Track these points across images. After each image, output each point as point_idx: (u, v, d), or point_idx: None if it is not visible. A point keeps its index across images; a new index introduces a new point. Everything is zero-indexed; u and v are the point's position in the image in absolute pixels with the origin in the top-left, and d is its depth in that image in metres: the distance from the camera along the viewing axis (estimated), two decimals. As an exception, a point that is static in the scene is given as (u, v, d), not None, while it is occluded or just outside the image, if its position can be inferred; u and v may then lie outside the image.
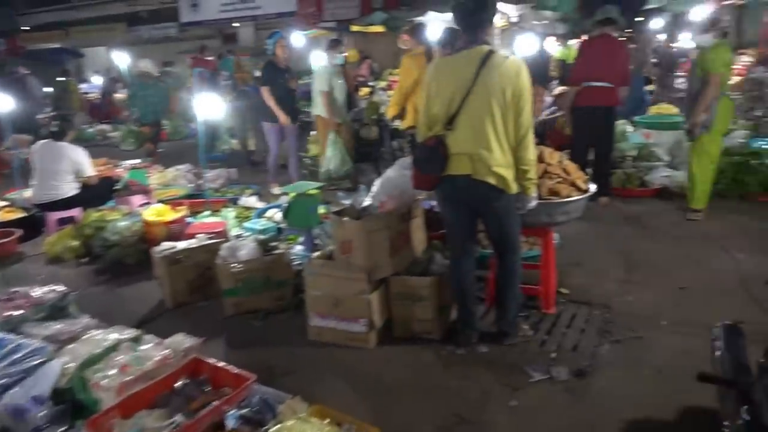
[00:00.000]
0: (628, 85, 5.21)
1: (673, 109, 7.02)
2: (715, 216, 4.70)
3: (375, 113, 6.99)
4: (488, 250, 3.19)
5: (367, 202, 3.06)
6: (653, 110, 7.46)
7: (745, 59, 9.52)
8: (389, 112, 5.54)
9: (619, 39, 5.34)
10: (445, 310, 3.04)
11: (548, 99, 8.04)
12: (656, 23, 12.11)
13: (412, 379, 2.71)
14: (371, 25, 14.15)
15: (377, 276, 2.93)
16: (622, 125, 6.72)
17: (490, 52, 2.46)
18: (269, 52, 6.06)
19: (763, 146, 5.75)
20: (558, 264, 3.70)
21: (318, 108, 6.13)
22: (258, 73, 10.04)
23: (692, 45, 12.74)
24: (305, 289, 3.06)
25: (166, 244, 3.75)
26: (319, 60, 12.60)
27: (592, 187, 3.16)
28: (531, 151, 2.56)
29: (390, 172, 3.05)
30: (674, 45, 9.35)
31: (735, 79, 7.76)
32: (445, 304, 3.02)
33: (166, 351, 2.50)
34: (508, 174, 2.55)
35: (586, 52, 5.19)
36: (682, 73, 10.46)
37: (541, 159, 3.17)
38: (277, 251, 3.59)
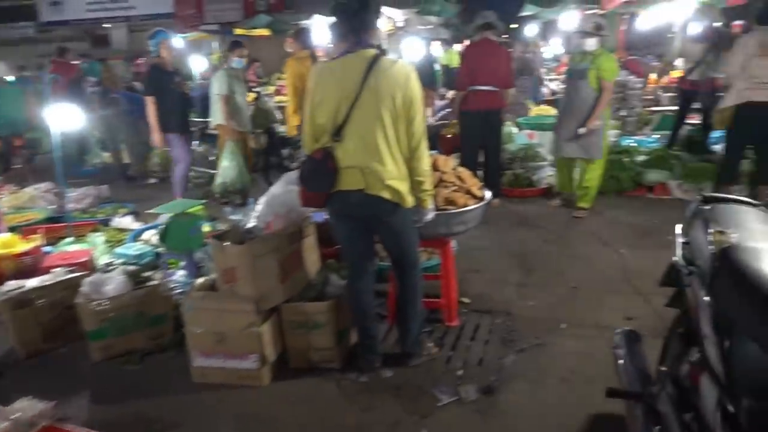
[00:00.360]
0: (512, 87, 5.33)
1: (552, 111, 7.38)
2: (596, 212, 4.94)
3: (265, 120, 6.61)
4: (386, 263, 3.02)
5: (251, 222, 2.75)
6: (534, 111, 7.82)
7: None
8: (292, 121, 5.23)
9: (501, 43, 5.47)
10: (344, 334, 2.81)
11: (439, 103, 8.14)
12: (530, 30, 12.85)
13: (313, 417, 2.45)
14: (255, 28, 13.64)
15: (267, 305, 2.63)
16: (508, 127, 6.96)
17: (378, 56, 2.27)
18: (153, 54, 5.40)
19: (632, 144, 6.20)
20: (457, 272, 3.63)
21: (217, 115, 5.51)
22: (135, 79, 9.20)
23: (561, 51, 13.69)
24: (185, 327, 2.68)
25: (11, 284, 3.16)
26: (200, 64, 11.89)
27: (488, 194, 3.10)
28: (425, 162, 2.41)
29: (275, 189, 2.77)
30: (530, 51, 9.92)
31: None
32: (344, 328, 2.79)
33: (6, 424, 2.03)
34: (403, 187, 2.38)
35: (468, 57, 5.24)
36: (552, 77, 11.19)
37: (435, 167, 3.06)
38: (151, 282, 3.15)
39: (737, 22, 10.54)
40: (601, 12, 11.66)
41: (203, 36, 14.88)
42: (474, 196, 3.03)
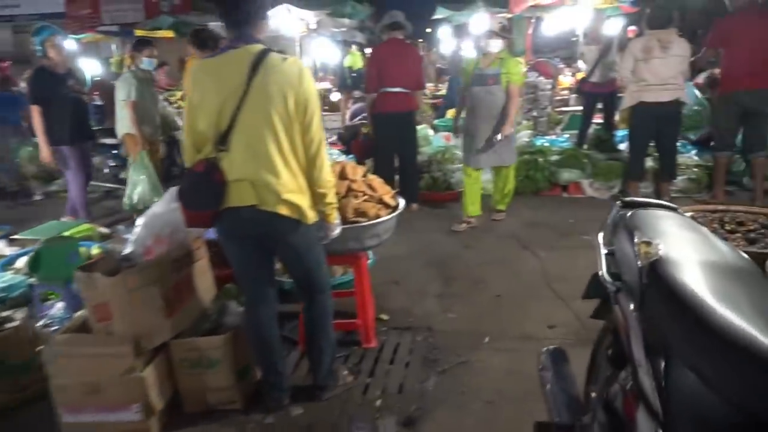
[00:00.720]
0: (423, 88, 5.19)
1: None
2: (514, 214, 4.88)
3: (166, 128, 6.07)
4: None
5: (128, 248, 2.34)
6: (450, 113, 7.78)
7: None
8: None
9: (410, 44, 5.33)
10: (247, 370, 2.46)
11: (354, 106, 7.92)
12: (444, 33, 12.98)
13: (209, 473, 2.10)
14: (158, 29, 12.78)
15: (150, 344, 2.24)
16: (424, 129, 6.85)
17: (264, 52, 1.97)
18: (39, 54, 4.65)
19: (545, 144, 6.27)
20: (374, 285, 3.39)
21: (125, 123, 4.90)
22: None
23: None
24: (49, 379, 2.23)
25: None
26: (94, 69, 10.93)
27: (402, 202, 2.87)
28: (327, 171, 2.13)
29: (157, 207, 2.38)
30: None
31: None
32: (246, 363, 2.45)
33: None
34: (303, 201, 2.09)
35: (377, 58, 5.03)
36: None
37: (343, 176, 2.80)
38: (11, 324, 2.64)
39: (631, 28, 11.19)
40: (509, 15, 12.00)
41: (99, 38, 13.78)
42: (387, 206, 2.80)
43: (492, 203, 4.86)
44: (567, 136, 7.03)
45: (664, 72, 4.64)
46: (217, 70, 1.99)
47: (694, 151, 5.67)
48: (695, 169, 5.27)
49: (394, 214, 2.72)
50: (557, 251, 4.04)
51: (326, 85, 13.98)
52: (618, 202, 1.83)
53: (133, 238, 2.33)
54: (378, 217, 2.67)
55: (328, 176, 2.14)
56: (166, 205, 2.33)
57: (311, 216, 2.14)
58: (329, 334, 2.43)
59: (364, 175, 2.90)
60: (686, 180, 5.24)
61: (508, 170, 4.69)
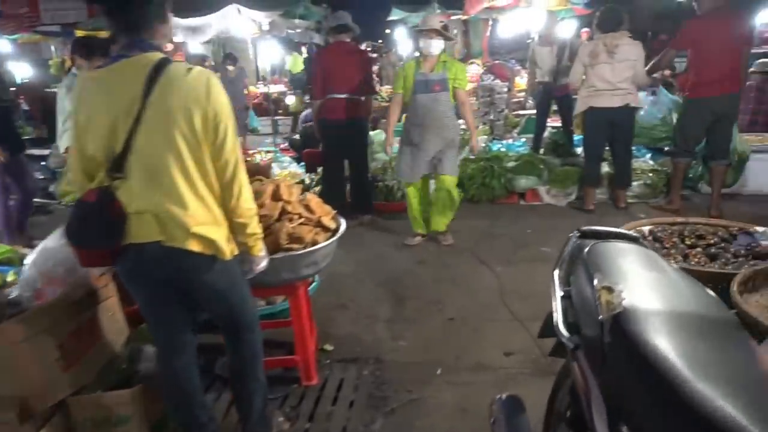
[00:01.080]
0: (374, 93, 4.93)
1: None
2: (470, 225, 4.69)
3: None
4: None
5: (15, 291, 1.99)
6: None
7: (475, 68, 10.48)
8: None
9: (359, 47, 5.08)
10: (164, 422, 2.15)
11: (305, 111, 7.61)
12: (401, 34, 12.80)
13: None
14: (100, 30, 12.12)
15: (44, 404, 1.91)
16: (379, 134, 6.60)
17: (164, 62, 1.67)
18: None
19: (501, 149, 6.12)
20: (319, 310, 3.13)
21: (71, 134, 4.35)
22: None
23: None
24: None
25: None
26: (25, 72, 10.21)
27: (343, 224, 2.61)
28: (246, 197, 1.84)
29: (49, 241, 2.04)
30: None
31: (470, 86, 8.35)
32: (163, 416, 2.14)
33: None
34: (218, 233, 1.79)
35: (322, 62, 4.72)
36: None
37: (276, 196, 2.51)
38: None
39: (585, 30, 11.26)
40: (465, 17, 11.91)
41: (37, 38, 12.99)
42: (326, 229, 2.53)
43: (432, 226, 4.33)
44: (524, 140, 6.92)
45: (612, 77, 4.55)
46: (106, 84, 1.67)
47: (648, 155, 5.62)
48: (650, 174, 5.20)
49: (333, 238, 2.46)
50: (514, 265, 3.86)
51: (281, 88, 13.61)
52: (575, 232, 1.63)
53: (21, 277, 1.99)
54: (315, 242, 2.39)
55: (248, 203, 1.85)
56: (58, 239, 1.99)
57: (229, 250, 1.84)
58: (259, 376, 2.14)
59: (302, 196, 2.63)
60: (642, 185, 5.16)
61: (451, 182, 4.16)
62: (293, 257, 2.30)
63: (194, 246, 1.74)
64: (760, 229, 2.73)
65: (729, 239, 2.73)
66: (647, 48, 4.88)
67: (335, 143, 4.71)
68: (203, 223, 1.75)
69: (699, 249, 2.66)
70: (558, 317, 1.36)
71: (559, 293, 1.46)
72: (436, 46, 3.96)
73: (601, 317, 1.15)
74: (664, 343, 1.02)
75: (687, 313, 1.14)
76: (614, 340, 1.11)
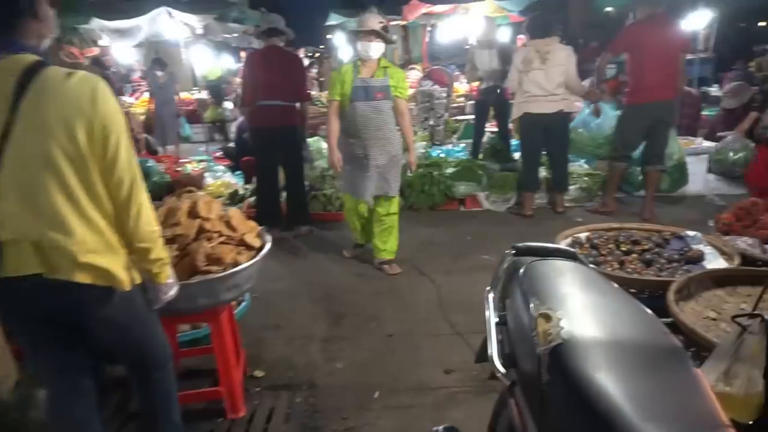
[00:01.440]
0: (309, 100, 4.74)
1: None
2: (410, 233, 4.57)
3: None
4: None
5: None
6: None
7: (415, 73, 10.47)
8: None
9: (292, 52, 4.88)
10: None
11: (239, 119, 7.29)
12: (340, 39, 12.64)
13: None
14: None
15: None
16: (317, 142, 6.41)
17: (38, 66, 1.43)
18: None
19: (441, 155, 6.06)
20: (249, 332, 2.92)
21: None
22: None
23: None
24: None
25: None
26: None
27: (269, 240, 2.40)
28: (147, 217, 1.61)
29: None
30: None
31: (409, 92, 8.30)
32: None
33: None
34: (114, 261, 1.56)
35: (252, 69, 4.49)
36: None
37: (193, 214, 2.29)
38: None
39: (520, 36, 11.50)
40: (404, 23, 11.92)
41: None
42: (249, 247, 2.32)
43: (374, 251, 3.93)
44: (463, 145, 6.92)
45: (546, 83, 4.58)
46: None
47: (584, 160, 5.71)
48: (586, 178, 5.28)
49: (257, 258, 2.25)
50: (454, 275, 3.76)
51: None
52: (510, 250, 1.51)
53: None
54: (237, 263, 2.18)
55: (149, 225, 1.62)
56: None
57: (129, 279, 1.62)
58: (174, 418, 1.91)
59: (224, 212, 2.41)
60: (578, 189, 5.22)
61: (392, 201, 3.79)
62: (211, 281, 2.08)
63: (84, 278, 1.51)
64: (691, 233, 2.74)
65: (663, 244, 2.73)
66: (578, 54, 4.95)
67: (268, 152, 4.49)
68: (94, 250, 1.51)
69: (635, 255, 2.65)
70: (492, 348, 1.24)
71: (493, 319, 1.33)
72: (376, 49, 3.56)
73: (538, 350, 1.03)
74: (606, 382, 0.92)
75: (628, 342, 1.05)
76: (553, 379, 0.99)
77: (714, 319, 2.02)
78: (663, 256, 2.60)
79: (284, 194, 4.81)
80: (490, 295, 1.41)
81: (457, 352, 2.78)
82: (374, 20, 3.58)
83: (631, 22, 4.59)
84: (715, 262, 2.53)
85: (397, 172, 3.79)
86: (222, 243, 2.26)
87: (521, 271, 1.30)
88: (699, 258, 2.56)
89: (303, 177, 4.81)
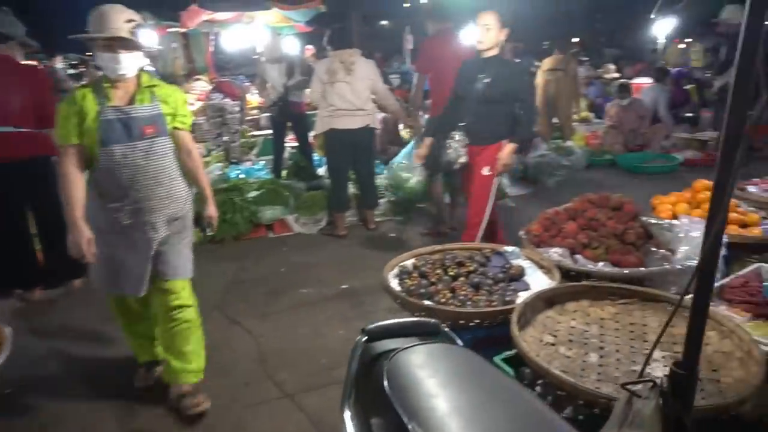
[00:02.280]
0: (51, 126, 3.46)
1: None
2: (214, 271, 3.97)
3: None
4: None
5: None
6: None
7: (203, 85, 9.59)
8: None
9: (28, 63, 3.87)
10: None
11: None
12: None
13: None
14: None
15: None
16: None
17: None
18: None
19: (241, 176, 5.52)
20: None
21: None
22: None
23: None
24: None
25: None
26: None
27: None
28: None
29: None
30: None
31: (198, 105, 7.51)
32: None
33: None
34: None
35: None
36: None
37: None
38: None
39: (309, 47, 11.39)
40: (184, 30, 10.88)
41: None
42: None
43: (168, 372, 2.49)
44: (263, 162, 6.46)
45: (352, 96, 4.40)
46: None
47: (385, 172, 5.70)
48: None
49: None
50: (272, 318, 3.31)
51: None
52: (361, 336, 1.16)
53: None
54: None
55: None
56: None
57: None
58: None
59: None
60: (387, 202, 5.18)
61: (184, 286, 2.44)
62: None
63: None
64: (509, 248, 2.75)
65: (485, 262, 2.69)
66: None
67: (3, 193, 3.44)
68: None
69: (462, 279, 2.55)
70: None
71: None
72: (129, 62, 2.22)
73: None
74: None
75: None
76: None
77: (553, 344, 1.97)
78: (489, 277, 2.55)
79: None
80: (347, 413, 1.03)
81: (292, 422, 2.35)
82: (119, 19, 2.17)
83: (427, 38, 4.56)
84: (534, 275, 2.56)
85: (188, 243, 2.48)
86: None
87: (385, 379, 0.96)
88: (521, 274, 2.57)
89: (61, 220, 3.71)
